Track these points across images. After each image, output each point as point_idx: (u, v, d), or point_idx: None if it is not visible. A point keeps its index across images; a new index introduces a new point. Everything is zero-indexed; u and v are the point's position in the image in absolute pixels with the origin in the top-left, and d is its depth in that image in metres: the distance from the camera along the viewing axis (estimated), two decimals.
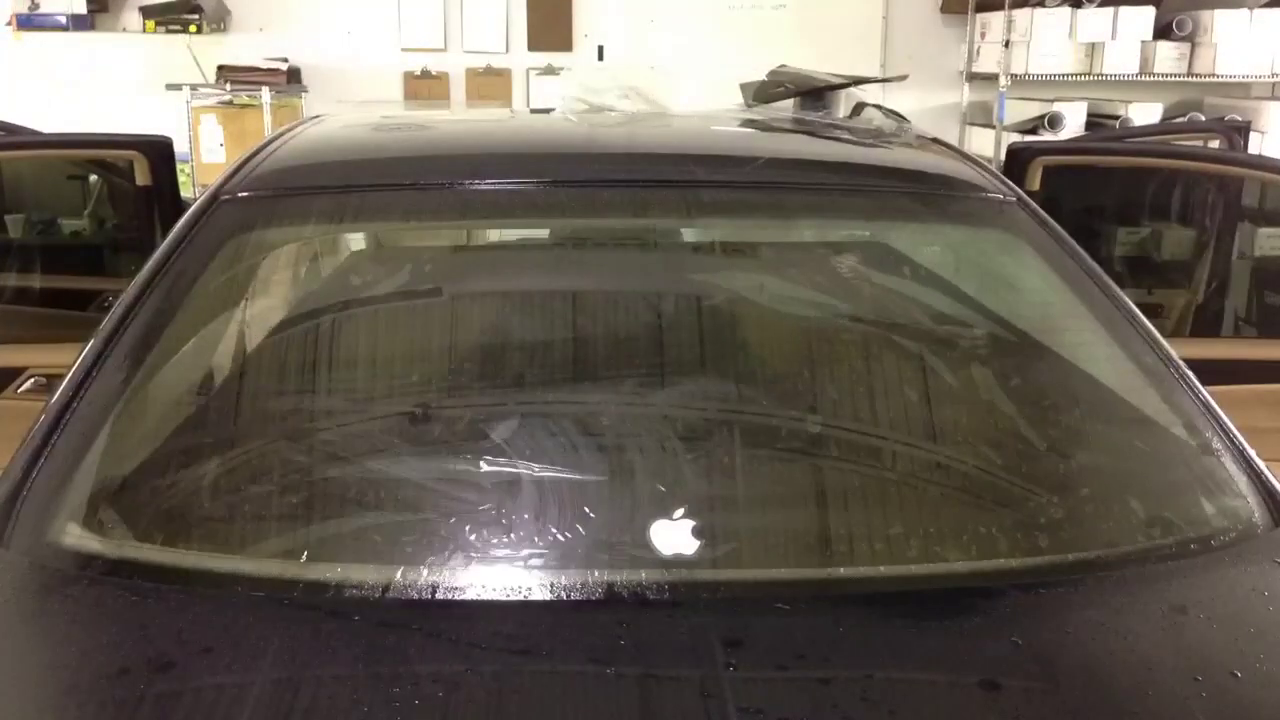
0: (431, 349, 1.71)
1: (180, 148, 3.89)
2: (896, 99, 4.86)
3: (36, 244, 3.76)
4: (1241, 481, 1.55)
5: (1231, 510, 1.51)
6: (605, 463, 1.48)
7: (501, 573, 1.33)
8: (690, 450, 1.49)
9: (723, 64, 5.90)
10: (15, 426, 1.56)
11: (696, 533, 1.38)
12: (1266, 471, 1.57)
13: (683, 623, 1.26)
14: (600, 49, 7.65)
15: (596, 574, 1.33)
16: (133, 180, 2.97)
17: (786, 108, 3.19)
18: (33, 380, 2.55)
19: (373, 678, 1.15)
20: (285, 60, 7.18)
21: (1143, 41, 6.81)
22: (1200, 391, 1.66)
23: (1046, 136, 6.56)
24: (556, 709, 1.12)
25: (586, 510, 1.41)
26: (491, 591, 1.30)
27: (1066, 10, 6.79)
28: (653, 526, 1.39)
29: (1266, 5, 6.88)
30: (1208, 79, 6.89)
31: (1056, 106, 6.83)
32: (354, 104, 6.17)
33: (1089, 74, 6.88)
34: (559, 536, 1.36)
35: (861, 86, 3.44)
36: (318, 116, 2.42)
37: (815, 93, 3.26)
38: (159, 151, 2.94)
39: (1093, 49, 6.83)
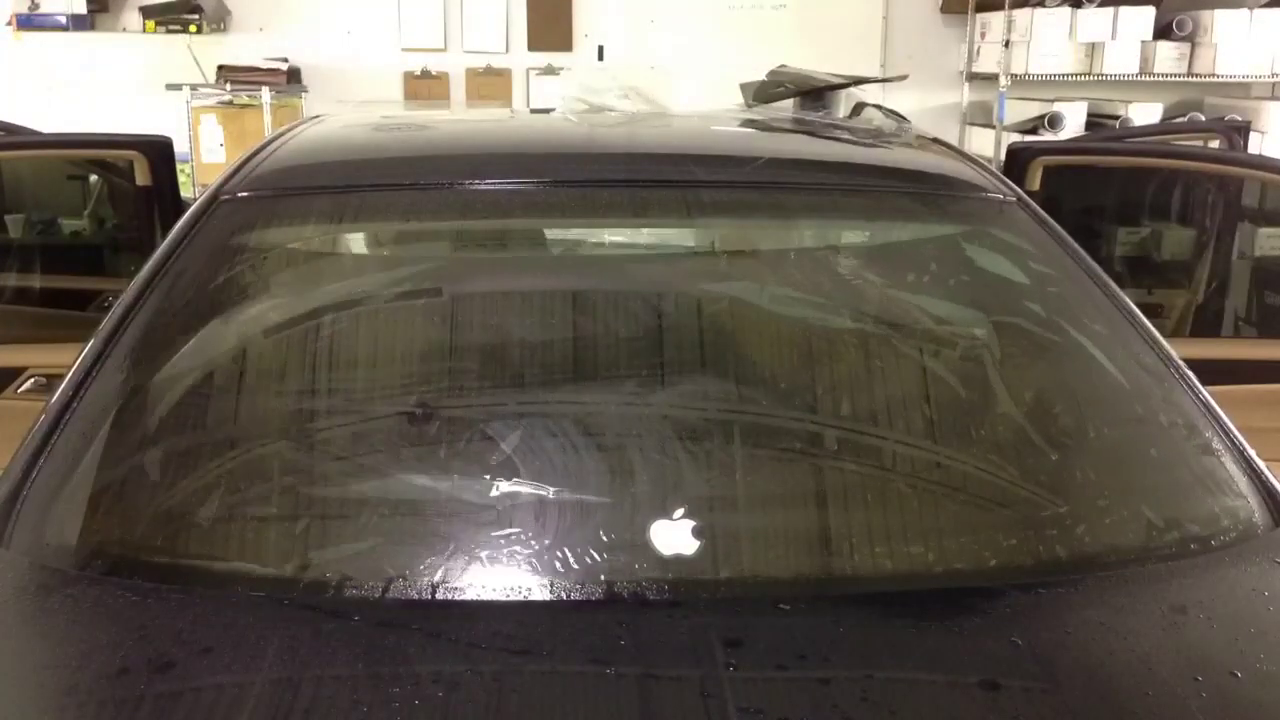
0: (431, 349, 1.71)
1: (180, 148, 3.89)
2: (896, 99, 4.86)
3: (36, 244, 3.76)
4: (1241, 481, 1.55)
5: (1231, 510, 1.51)
6: (605, 463, 1.48)
7: (501, 573, 1.33)
8: (690, 450, 1.49)
9: (723, 64, 5.91)
10: (15, 426, 1.56)
11: (696, 533, 1.38)
12: (1266, 471, 1.57)
13: (683, 623, 1.26)
14: (600, 49, 7.65)
15: (596, 574, 1.33)
16: (133, 180, 2.97)
17: (786, 108, 3.19)
18: (33, 380, 2.56)
19: (373, 678, 1.15)
20: (285, 60, 7.18)
21: (1143, 41, 6.81)
22: (1200, 391, 1.66)
23: (1046, 136, 6.56)
24: (556, 709, 1.12)
25: (586, 510, 1.41)
26: (491, 591, 1.30)
27: (1066, 10, 6.79)
28: (653, 526, 1.39)
29: (1266, 5, 6.88)
30: (1208, 79, 6.89)
31: (1056, 106, 6.84)
32: (354, 104, 6.17)
33: (1089, 74, 6.88)
34: (559, 536, 1.36)
35: (861, 86, 3.44)
36: (318, 116, 2.42)
37: (815, 93, 3.25)
38: (159, 151, 2.94)
39: (1093, 49, 6.83)
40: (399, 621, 1.25)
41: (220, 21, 7.29)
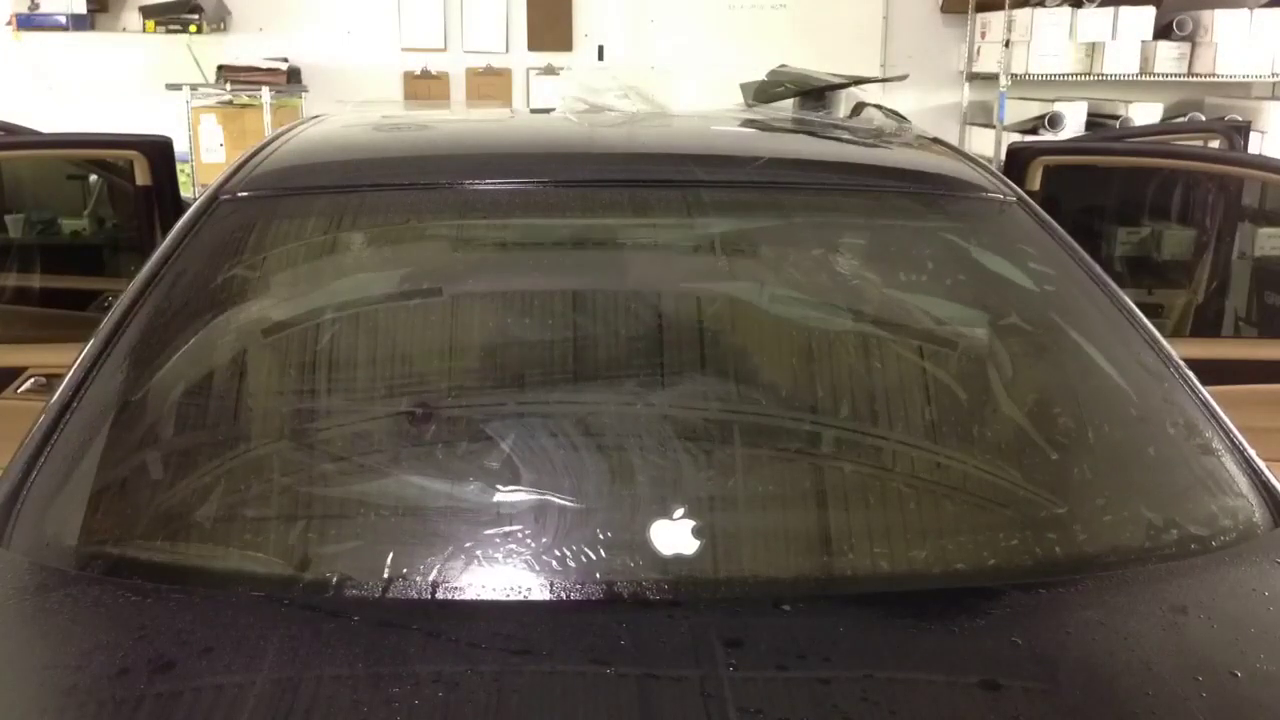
0: (431, 349, 1.71)
1: (180, 148, 3.90)
2: (896, 99, 4.86)
3: (36, 244, 3.76)
4: (1241, 482, 1.55)
5: (1231, 510, 1.51)
6: (605, 462, 1.48)
7: (501, 572, 1.33)
8: (690, 450, 1.49)
9: (723, 64, 5.91)
10: (15, 426, 1.56)
11: (696, 532, 1.38)
12: (1266, 471, 1.57)
13: (683, 623, 1.26)
14: (600, 49, 7.65)
15: (596, 574, 1.33)
16: (133, 180, 2.97)
17: (786, 108, 3.19)
18: (33, 380, 2.55)
19: (373, 678, 1.15)
20: (285, 60, 7.17)
21: (1143, 41, 6.81)
22: (1200, 391, 1.65)
23: (1046, 136, 6.56)
24: (556, 709, 1.12)
25: (586, 510, 1.41)
26: (491, 591, 1.30)
27: (1067, 10, 6.79)
28: (653, 526, 1.39)
29: (1266, 5, 6.88)
30: (1208, 79, 6.89)
31: (1056, 106, 6.84)
32: (354, 104, 6.16)
33: (1089, 74, 6.88)
34: (559, 536, 1.36)
35: (861, 86, 3.44)
36: (318, 116, 2.42)
37: (815, 93, 3.25)
38: (159, 151, 2.94)
39: (1093, 49, 6.83)
40: (399, 621, 1.25)
41: (220, 21, 7.29)
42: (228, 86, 6.86)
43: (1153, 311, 3.53)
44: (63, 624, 1.28)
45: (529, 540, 1.36)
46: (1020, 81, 7.02)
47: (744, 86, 3.36)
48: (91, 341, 1.61)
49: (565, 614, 1.29)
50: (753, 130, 2.52)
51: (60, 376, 1.59)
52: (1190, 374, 1.68)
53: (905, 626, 1.27)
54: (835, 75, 3.36)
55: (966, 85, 7.68)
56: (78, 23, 7.08)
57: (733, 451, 1.53)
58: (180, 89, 6.77)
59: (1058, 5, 6.80)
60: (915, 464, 1.55)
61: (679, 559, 1.36)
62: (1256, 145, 6.33)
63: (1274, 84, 7.22)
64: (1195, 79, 6.93)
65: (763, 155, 2.07)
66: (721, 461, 1.50)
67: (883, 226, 1.95)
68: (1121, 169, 3.72)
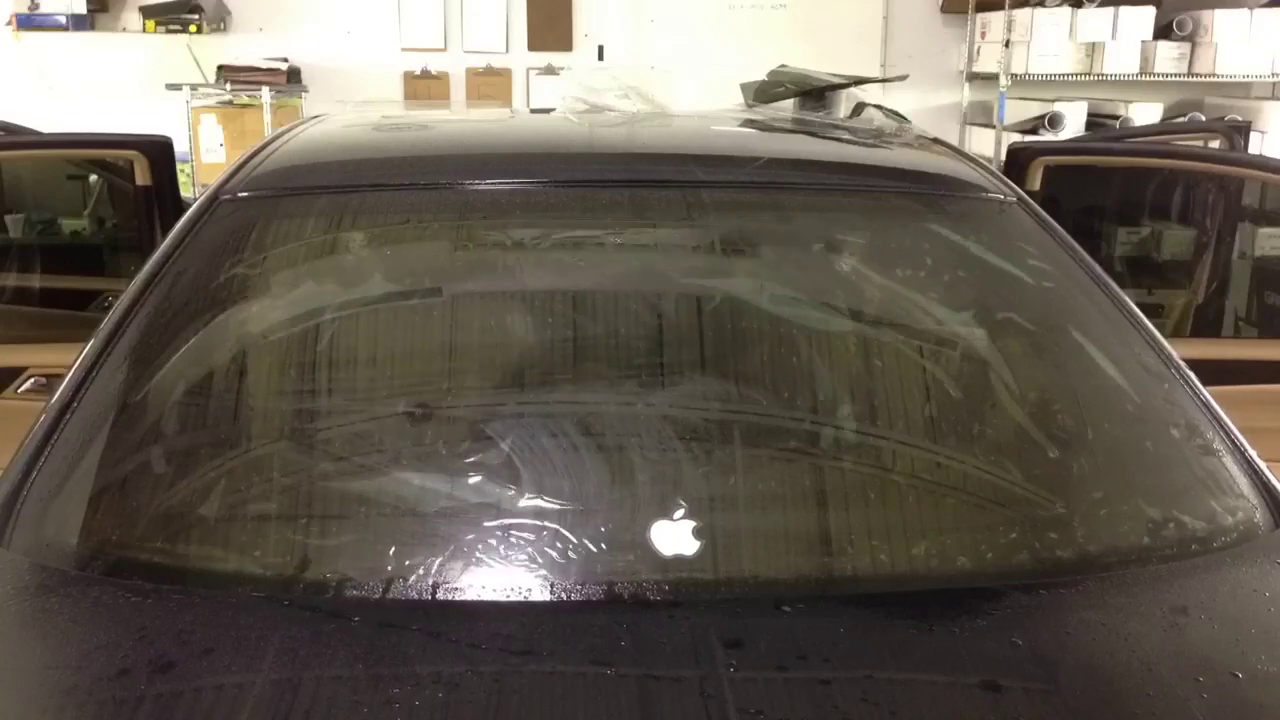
0: (431, 349, 1.71)
1: (180, 148, 3.90)
2: (896, 99, 4.86)
3: (36, 244, 3.76)
4: (1242, 482, 1.55)
5: (1232, 511, 1.51)
6: (605, 463, 1.48)
7: (501, 573, 1.33)
8: (690, 450, 1.49)
9: (723, 64, 5.91)
10: (15, 426, 1.56)
11: (696, 533, 1.38)
12: (1266, 471, 1.57)
13: (683, 623, 1.26)
14: (600, 49, 7.65)
15: (596, 574, 1.33)
16: (133, 180, 2.97)
17: (786, 108, 3.19)
18: (33, 380, 2.56)
19: (373, 678, 1.15)
20: (285, 60, 7.18)
21: (1143, 41, 6.81)
22: (1200, 391, 1.65)
23: (1047, 136, 6.56)
24: (556, 710, 1.12)
25: (586, 510, 1.40)
26: (491, 592, 1.30)
27: (1067, 10, 6.79)
28: (653, 527, 1.39)
29: (1266, 5, 6.88)
30: (1208, 79, 6.89)
31: (1057, 106, 6.84)
32: (354, 104, 6.16)
33: (1089, 74, 6.88)
34: (559, 537, 1.36)
35: (861, 86, 3.44)
36: (318, 116, 2.41)
37: (815, 93, 3.25)
38: (159, 151, 2.94)
39: (1093, 49, 6.83)
40: (399, 622, 1.25)
41: (220, 21, 7.30)
42: (228, 86, 6.86)
43: (1153, 312, 3.53)
44: (63, 624, 1.28)
45: (529, 541, 1.36)
46: (1020, 81, 7.02)
47: (744, 86, 3.36)
48: (91, 341, 1.61)
49: (565, 614, 1.29)
50: (753, 130, 2.52)
51: (60, 376, 1.59)
52: (1191, 374, 1.68)
53: (905, 627, 1.27)
54: (835, 75, 3.37)
55: (966, 85, 7.68)
56: (78, 23, 7.09)
57: (733, 451, 1.53)
58: (180, 89, 6.77)
59: (1058, 5, 6.80)
60: (915, 464, 1.55)
61: (679, 559, 1.36)
62: (1256, 145, 6.33)
63: (1274, 84, 7.22)
64: (1195, 79, 6.93)
65: (763, 155, 2.07)
66: (721, 461, 1.50)
67: (883, 227, 1.95)
68: (1121, 169, 3.72)
